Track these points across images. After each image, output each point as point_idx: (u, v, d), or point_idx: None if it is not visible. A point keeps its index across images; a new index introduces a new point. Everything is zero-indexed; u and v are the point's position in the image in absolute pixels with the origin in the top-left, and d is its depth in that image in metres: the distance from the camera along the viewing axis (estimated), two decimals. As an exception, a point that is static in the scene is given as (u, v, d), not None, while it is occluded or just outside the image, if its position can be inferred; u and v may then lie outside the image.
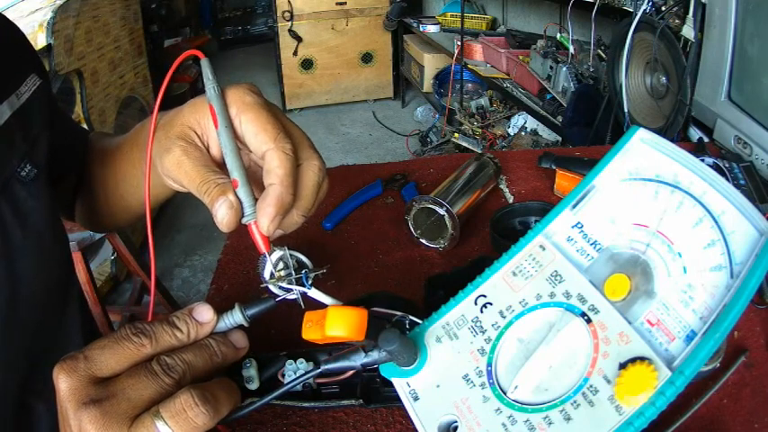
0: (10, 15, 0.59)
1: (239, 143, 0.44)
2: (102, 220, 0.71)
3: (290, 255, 0.44)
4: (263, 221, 0.41)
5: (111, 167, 0.63)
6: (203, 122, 0.44)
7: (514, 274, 0.48)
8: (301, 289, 0.44)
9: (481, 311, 0.47)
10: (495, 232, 0.74)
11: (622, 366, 0.39)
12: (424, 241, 0.78)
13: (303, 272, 0.44)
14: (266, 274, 0.44)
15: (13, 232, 0.50)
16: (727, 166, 0.88)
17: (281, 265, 0.44)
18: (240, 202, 0.41)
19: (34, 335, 0.53)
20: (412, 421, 0.45)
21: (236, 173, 0.42)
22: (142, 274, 1.62)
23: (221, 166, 0.43)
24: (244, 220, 0.42)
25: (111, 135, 0.69)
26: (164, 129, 0.45)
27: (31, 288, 0.52)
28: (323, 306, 0.44)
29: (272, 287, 0.44)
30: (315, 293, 0.44)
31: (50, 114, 0.60)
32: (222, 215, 0.41)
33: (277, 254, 0.44)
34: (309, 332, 0.44)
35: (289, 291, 0.44)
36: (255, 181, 0.44)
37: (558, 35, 2.23)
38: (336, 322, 0.42)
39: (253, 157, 0.45)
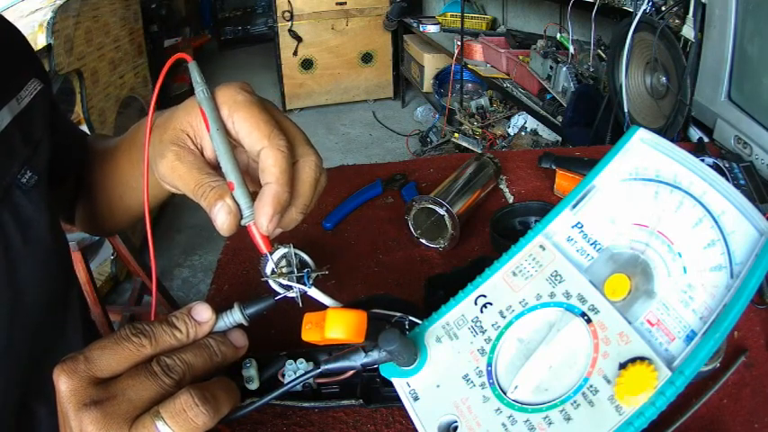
0: (10, 16, 0.59)
1: (234, 142, 0.43)
2: (102, 223, 0.71)
3: (295, 253, 0.44)
4: (261, 221, 0.41)
5: (110, 169, 0.62)
6: (195, 124, 0.44)
7: (514, 274, 0.48)
8: (301, 287, 0.44)
9: (481, 311, 0.47)
10: (495, 232, 0.74)
11: (622, 366, 0.39)
12: (424, 241, 0.78)
13: (305, 271, 0.44)
14: (267, 270, 0.43)
15: (14, 239, 0.50)
16: (727, 166, 0.88)
17: (283, 262, 0.44)
18: (238, 205, 0.41)
19: (34, 337, 0.53)
20: (412, 421, 0.45)
21: (231, 175, 0.42)
22: (142, 274, 1.62)
23: (216, 167, 0.43)
24: (243, 222, 0.42)
25: (110, 137, 0.69)
26: (158, 131, 0.45)
27: (31, 293, 0.52)
28: (323, 306, 0.44)
29: (271, 283, 0.44)
30: (314, 293, 0.44)
31: (51, 119, 0.59)
32: (222, 220, 0.41)
33: (281, 251, 0.43)
34: (309, 334, 0.44)
35: (288, 288, 0.44)
36: (254, 179, 0.44)
37: (558, 35, 2.23)
38: (336, 324, 0.42)
39: (250, 154, 0.45)
